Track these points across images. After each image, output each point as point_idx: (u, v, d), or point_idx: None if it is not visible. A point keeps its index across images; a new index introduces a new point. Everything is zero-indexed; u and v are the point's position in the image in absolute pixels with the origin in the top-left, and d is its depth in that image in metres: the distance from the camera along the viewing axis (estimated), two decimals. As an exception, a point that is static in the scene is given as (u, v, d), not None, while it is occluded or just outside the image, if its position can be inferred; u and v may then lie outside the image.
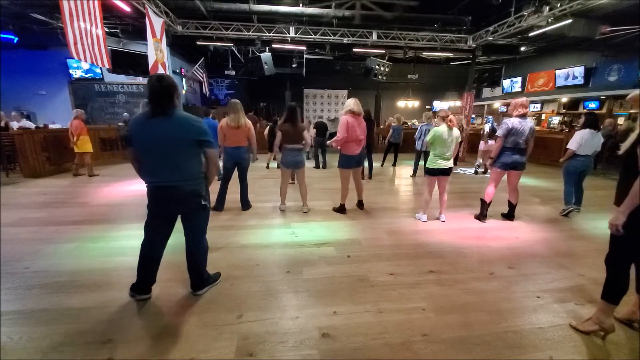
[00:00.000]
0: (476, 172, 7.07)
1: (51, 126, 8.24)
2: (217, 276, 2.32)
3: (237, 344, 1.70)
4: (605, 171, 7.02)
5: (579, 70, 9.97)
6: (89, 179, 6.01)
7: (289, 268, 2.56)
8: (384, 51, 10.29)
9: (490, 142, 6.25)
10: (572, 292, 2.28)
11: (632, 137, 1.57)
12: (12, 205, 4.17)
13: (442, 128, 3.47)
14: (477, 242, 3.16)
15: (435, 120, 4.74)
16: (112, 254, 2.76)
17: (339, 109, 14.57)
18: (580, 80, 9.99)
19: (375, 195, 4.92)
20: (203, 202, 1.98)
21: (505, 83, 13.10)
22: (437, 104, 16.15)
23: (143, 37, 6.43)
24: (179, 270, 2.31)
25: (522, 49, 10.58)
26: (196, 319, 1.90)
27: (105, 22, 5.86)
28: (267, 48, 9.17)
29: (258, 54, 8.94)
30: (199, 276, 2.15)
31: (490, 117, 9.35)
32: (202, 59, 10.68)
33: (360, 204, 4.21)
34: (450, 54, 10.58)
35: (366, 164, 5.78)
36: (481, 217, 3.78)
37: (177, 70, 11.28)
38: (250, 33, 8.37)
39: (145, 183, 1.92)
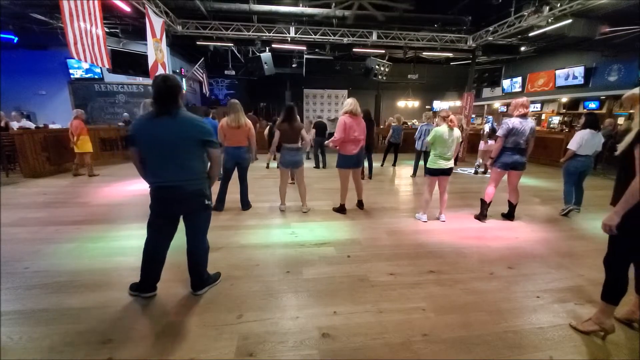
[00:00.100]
0: (476, 172, 7.07)
1: (51, 126, 8.25)
2: (217, 276, 2.32)
3: (237, 344, 1.70)
4: (605, 171, 7.01)
5: (579, 70, 9.97)
6: (89, 179, 6.01)
7: (289, 268, 2.56)
8: (384, 51, 10.29)
9: (490, 142, 6.25)
10: (572, 292, 2.28)
11: (629, 138, 1.56)
12: (12, 205, 4.17)
13: (443, 128, 3.47)
14: (477, 242, 3.16)
15: (436, 120, 4.75)
16: (112, 254, 2.76)
17: (339, 109, 14.55)
18: (580, 80, 9.99)
19: (375, 195, 4.92)
20: (206, 202, 1.99)
21: (505, 83, 13.10)
22: (437, 104, 16.15)
23: (143, 37, 6.43)
24: (179, 270, 2.31)
25: (522, 49, 10.58)
26: (196, 319, 1.90)
27: (105, 22, 5.86)
28: (267, 48, 9.17)
29: (258, 54, 8.94)
30: (200, 276, 2.15)
31: (490, 117, 9.36)
32: (202, 59, 10.68)
33: (360, 204, 4.21)
34: (450, 54, 10.58)
35: (366, 164, 5.79)
36: (481, 217, 3.78)
37: (177, 70, 11.29)
38: (250, 33, 8.37)
39: (149, 183, 1.92)
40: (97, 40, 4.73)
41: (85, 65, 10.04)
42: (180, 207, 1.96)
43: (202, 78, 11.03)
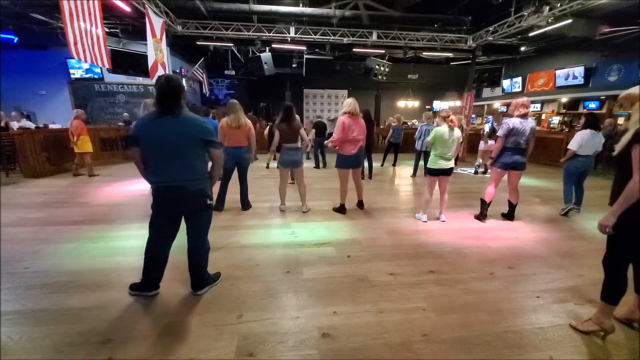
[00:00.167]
0: (476, 172, 7.07)
1: (51, 126, 8.25)
2: (217, 276, 2.33)
3: (237, 344, 1.70)
4: (605, 171, 7.01)
5: (579, 70, 9.96)
6: (89, 179, 6.01)
7: (289, 268, 2.56)
8: (384, 51, 10.29)
9: (490, 142, 6.25)
10: (572, 292, 2.28)
11: (626, 138, 1.56)
12: (12, 205, 4.17)
13: (444, 128, 3.47)
14: (477, 242, 3.16)
15: (436, 120, 4.75)
16: (112, 254, 2.76)
17: (339, 109, 14.54)
18: (580, 80, 9.99)
19: (375, 195, 4.92)
20: (208, 202, 2.00)
21: (505, 83, 13.10)
22: (437, 104, 16.15)
23: (143, 37, 6.43)
24: (179, 270, 2.31)
25: (522, 49, 10.58)
26: (196, 319, 1.90)
27: (105, 22, 5.86)
28: (267, 48, 9.17)
29: (258, 54, 8.94)
30: (200, 276, 2.15)
31: (490, 117, 9.35)
32: (202, 59, 10.67)
33: (360, 204, 4.21)
34: (450, 54, 10.57)
35: (366, 164, 5.79)
36: (481, 217, 3.78)
37: (177, 70, 11.28)
38: (250, 33, 8.36)
39: (150, 183, 1.92)
40: (97, 40, 4.73)
41: (85, 65, 10.05)
42: (182, 207, 1.96)
43: (202, 78, 11.03)
